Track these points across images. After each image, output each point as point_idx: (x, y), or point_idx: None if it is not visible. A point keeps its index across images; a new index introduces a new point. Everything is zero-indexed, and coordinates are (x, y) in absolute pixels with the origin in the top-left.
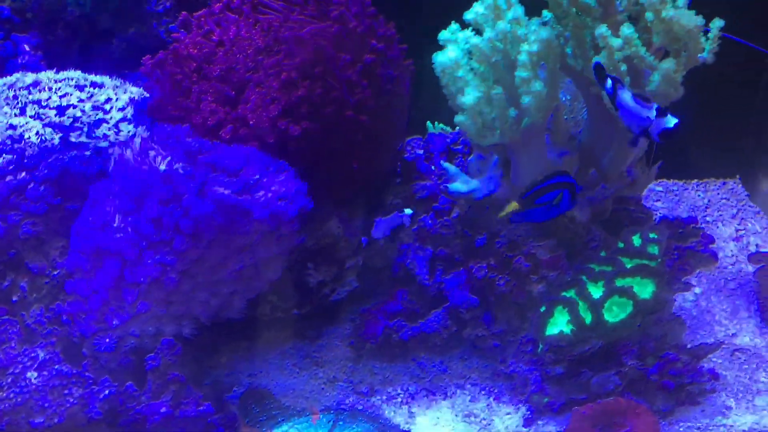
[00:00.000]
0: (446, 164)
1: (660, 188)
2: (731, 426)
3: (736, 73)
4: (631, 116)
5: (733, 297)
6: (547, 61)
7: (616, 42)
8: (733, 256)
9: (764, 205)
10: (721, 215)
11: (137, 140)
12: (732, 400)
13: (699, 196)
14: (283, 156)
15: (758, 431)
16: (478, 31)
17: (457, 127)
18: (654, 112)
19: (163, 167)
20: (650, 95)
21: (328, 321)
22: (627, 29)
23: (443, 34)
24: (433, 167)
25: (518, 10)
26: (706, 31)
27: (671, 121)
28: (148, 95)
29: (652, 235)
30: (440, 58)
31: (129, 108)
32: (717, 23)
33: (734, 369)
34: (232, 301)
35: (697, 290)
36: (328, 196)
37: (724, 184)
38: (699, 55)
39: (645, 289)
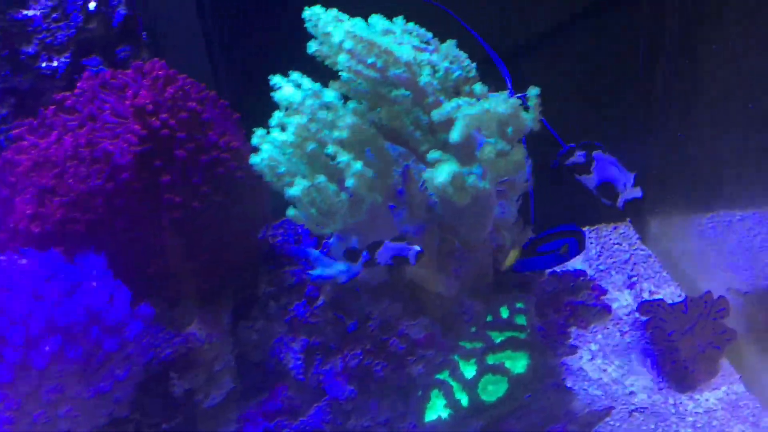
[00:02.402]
0: (309, 249)
1: None
2: None
3: (615, 122)
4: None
5: (629, 351)
6: (365, 141)
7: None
8: (627, 305)
9: (655, 247)
10: (614, 262)
11: None
12: None
13: (591, 243)
14: (128, 263)
15: None
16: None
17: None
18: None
19: None
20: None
21: (209, 428)
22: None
23: (254, 140)
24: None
25: (323, 95)
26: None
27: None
28: None
29: (518, 305)
30: (255, 160)
31: None
32: (533, 91)
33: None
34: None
35: (593, 347)
36: (185, 297)
37: (615, 228)
38: (527, 125)
39: (518, 363)
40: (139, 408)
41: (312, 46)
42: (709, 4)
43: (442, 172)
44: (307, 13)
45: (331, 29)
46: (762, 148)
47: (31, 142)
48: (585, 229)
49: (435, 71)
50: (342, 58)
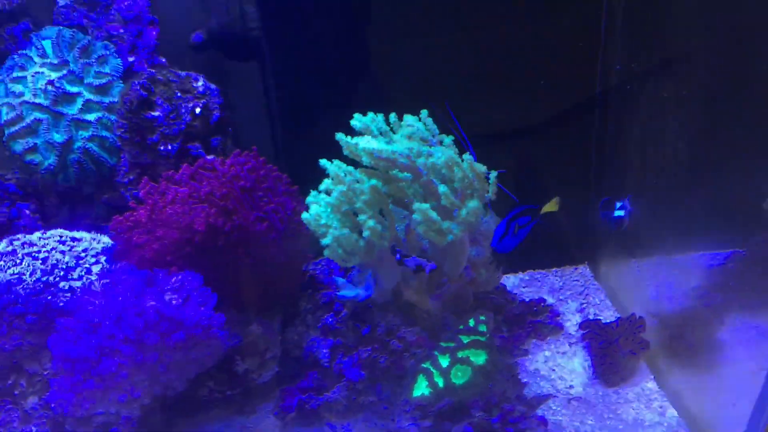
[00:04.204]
0: (337, 277)
1: (527, 277)
2: None
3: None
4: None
5: (574, 357)
6: (379, 204)
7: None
8: (576, 324)
9: (604, 282)
10: (571, 294)
11: (98, 281)
12: None
13: (556, 280)
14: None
15: None
16: None
17: None
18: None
19: (115, 298)
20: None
21: (260, 399)
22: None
23: (309, 198)
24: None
25: (355, 174)
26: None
27: (619, 212)
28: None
29: (482, 317)
30: (305, 216)
31: (102, 255)
32: (494, 174)
33: (569, 414)
34: (171, 385)
35: (547, 353)
36: (250, 308)
37: (576, 269)
38: (486, 195)
39: (480, 358)
40: (213, 378)
41: (347, 153)
42: (626, 116)
43: (421, 205)
44: (338, 136)
45: (357, 141)
46: (666, 212)
47: (147, 201)
48: (552, 269)
49: (430, 157)
50: (365, 159)
